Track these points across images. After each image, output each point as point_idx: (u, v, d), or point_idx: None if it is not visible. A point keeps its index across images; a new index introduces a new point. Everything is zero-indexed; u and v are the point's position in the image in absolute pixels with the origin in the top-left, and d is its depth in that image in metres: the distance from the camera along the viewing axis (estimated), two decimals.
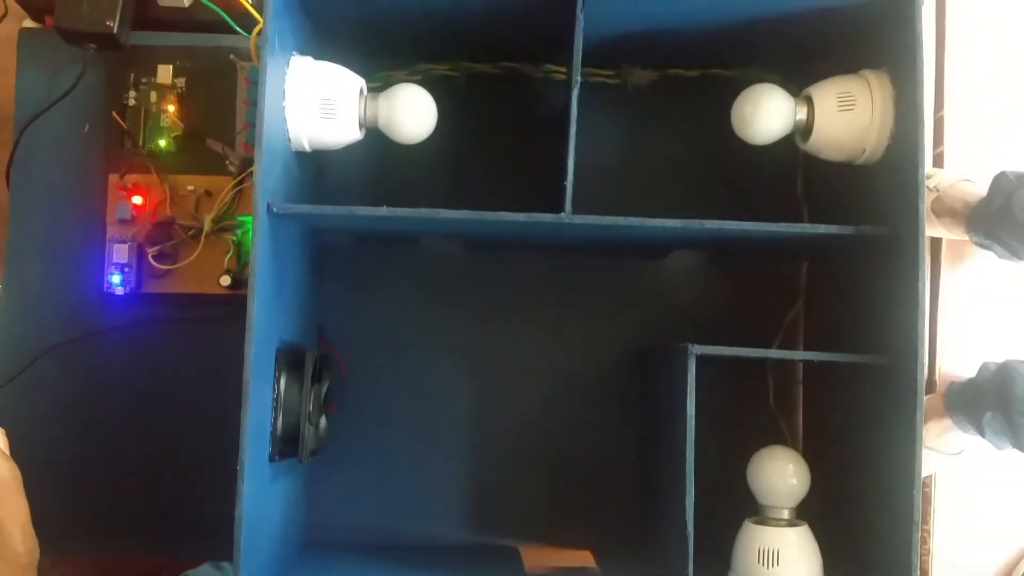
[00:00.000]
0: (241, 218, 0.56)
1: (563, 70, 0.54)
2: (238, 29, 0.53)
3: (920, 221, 0.42)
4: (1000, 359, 0.56)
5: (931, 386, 0.61)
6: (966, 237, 0.57)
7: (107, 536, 0.56)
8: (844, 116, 0.46)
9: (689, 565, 0.43)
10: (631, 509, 0.57)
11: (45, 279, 0.56)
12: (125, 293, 0.55)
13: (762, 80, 0.49)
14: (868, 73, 0.46)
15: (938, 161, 0.63)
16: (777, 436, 0.55)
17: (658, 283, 0.58)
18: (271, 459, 0.46)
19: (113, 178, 0.56)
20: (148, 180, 0.56)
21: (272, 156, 0.43)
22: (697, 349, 0.44)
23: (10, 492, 0.37)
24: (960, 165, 0.62)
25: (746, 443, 0.49)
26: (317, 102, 0.46)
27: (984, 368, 0.58)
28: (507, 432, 0.57)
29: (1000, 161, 0.61)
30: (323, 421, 0.50)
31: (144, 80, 0.56)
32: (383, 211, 0.44)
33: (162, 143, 0.56)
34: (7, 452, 0.38)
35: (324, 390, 0.50)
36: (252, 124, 0.55)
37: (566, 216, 0.44)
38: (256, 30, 0.45)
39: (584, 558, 0.57)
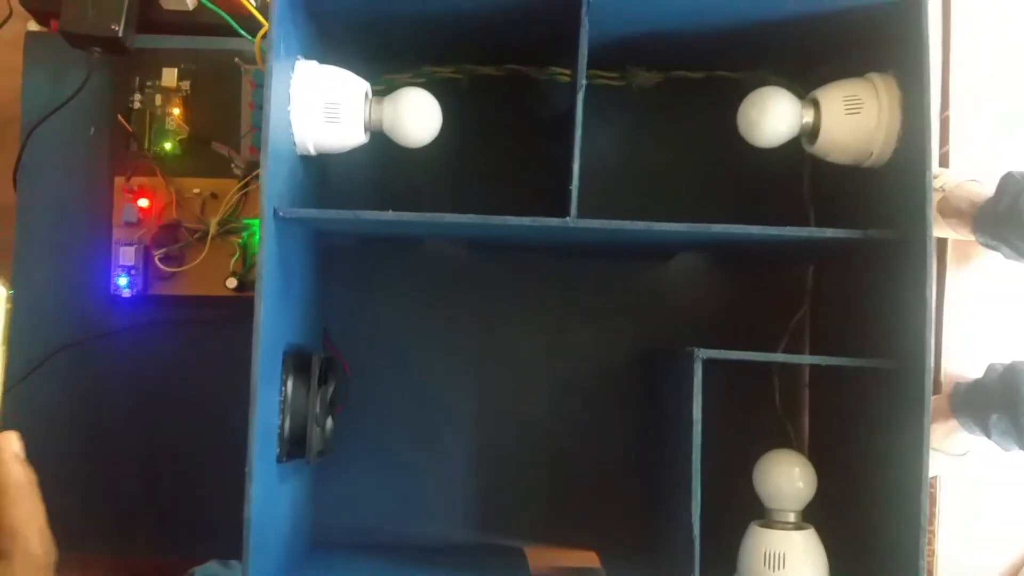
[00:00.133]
0: (246, 221, 0.56)
1: (567, 72, 0.54)
2: (242, 32, 0.53)
3: (928, 225, 0.42)
4: (1007, 360, 0.56)
5: (936, 387, 0.61)
6: (972, 238, 0.57)
7: (113, 535, 0.56)
8: (851, 119, 0.46)
9: (695, 567, 0.44)
10: (636, 511, 0.57)
11: (52, 281, 0.56)
12: (132, 295, 0.55)
13: (768, 83, 0.49)
14: (875, 76, 0.46)
15: (943, 161, 0.63)
16: (783, 439, 0.55)
17: (662, 285, 0.58)
18: (279, 460, 0.46)
19: (119, 181, 0.56)
20: (154, 183, 0.56)
21: (278, 161, 0.43)
22: (703, 353, 0.44)
23: (26, 495, 0.37)
24: (966, 165, 0.62)
25: (752, 446, 0.49)
26: (322, 106, 0.46)
27: (991, 369, 0.57)
28: (512, 433, 0.58)
29: (1007, 161, 0.61)
30: (329, 422, 0.50)
31: (149, 83, 0.56)
32: (388, 215, 0.44)
33: (167, 146, 0.56)
34: (22, 456, 0.38)
35: (330, 392, 0.50)
36: (257, 127, 0.55)
37: (571, 220, 0.44)
38: (260, 34, 0.45)
39: (589, 559, 0.57)
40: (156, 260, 0.55)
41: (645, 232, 0.45)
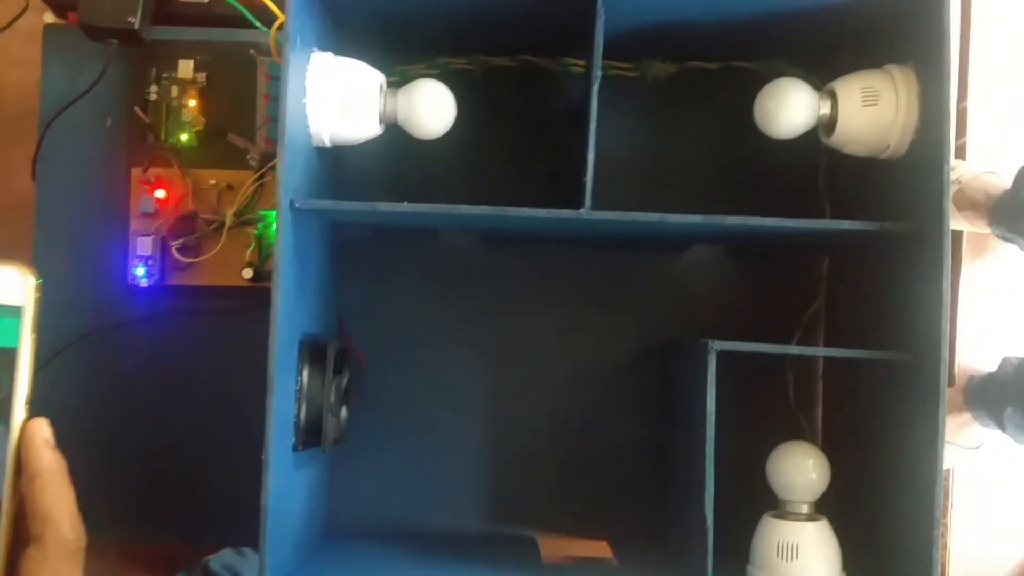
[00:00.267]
0: (262, 212, 0.56)
1: (581, 63, 0.53)
2: (257, 24, 0.53)
3: (945, 218, 0.42)
4: (1021, 354, 0.56)
5: (950, 380, 0.61)
6: (988, 230, 0.57)
7: (128, 523, 0.57)
8: (868, 111, 0.46)
9: (708, 558, 0.44)
10: (648, 501, 0.57)
11: (70, 272, 0.56)
12: (149, 285, 0.56)
13: (784, 73, 0.48)
14: (893, 68, 0.46)
15: (960, 152, 0.62)
16: (796, 431, 0.55)
17: (676, 277, 0.58)
18: (295, 449, 0.47)
19: (136, 172, 0.56)
20: (171, 174, 0.56)
21: (294, 153, 0.44)
22: (717, 345, 0.44)
23: (57, 480, 0.38)
24: (983, 156, 0.61)
25: (765, 438, 0.49)
26: (338, 98, 0.46)
27: (1005, 362, 0.57)
28: (525, 423, 0.58)
29: None
30: (344, 412, 0.51)
31: (165, 75, 0.57)
32: (404, 207, 0.44)
33: (184, 137, 0.57)
34: (52, 441, 0.39)
35: (345, 381, 0.50)
36: (272, 119, 0.55)
37: (586, 212, 0.44)
38: (276, 25, 0.46)
39: (601, 548, 0.57)
40: (173, 250, 0.56)
41: (659, 224, 0.45)
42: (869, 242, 0.48)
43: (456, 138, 0.49)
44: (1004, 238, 0.56)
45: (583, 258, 0.58)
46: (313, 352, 0.48)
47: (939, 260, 0.42)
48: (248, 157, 0.56)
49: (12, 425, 0.38)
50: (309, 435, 0.47)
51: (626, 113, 0.56)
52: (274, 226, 0.54)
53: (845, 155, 0.49)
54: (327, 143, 0.47)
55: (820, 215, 0.54)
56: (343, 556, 0.53)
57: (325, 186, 0.51)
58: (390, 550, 0.54)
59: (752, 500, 0.48)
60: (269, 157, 0.55)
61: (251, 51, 0.55)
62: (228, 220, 0.55)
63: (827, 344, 0.57)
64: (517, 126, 0.57)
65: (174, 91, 0.57)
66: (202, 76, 0.57)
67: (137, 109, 0.57)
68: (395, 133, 0.49)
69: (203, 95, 0.57)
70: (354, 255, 0.57)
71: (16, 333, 0.38)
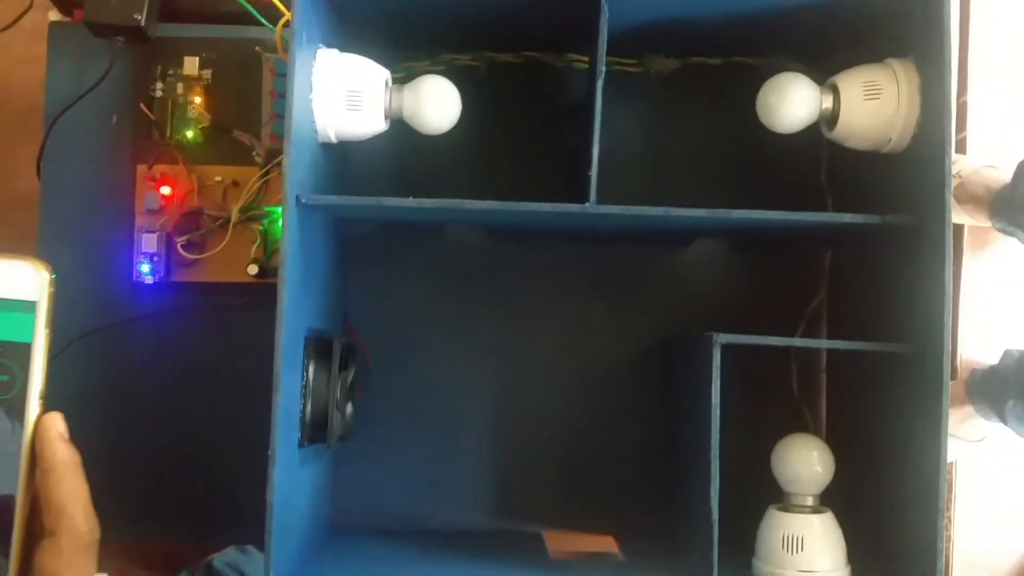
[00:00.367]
0: (267, 208, 0.56)
1: (585, 59, 0.54)
2: (263, 21, 0.53)
3: (946, 211, 0.42)
4: (1023, 346, 0.56)
5: (952, 373, 0.61)
6: (989, 224, 0.57)
7: (132, 520, 0.56)
8: (870, 105, 0.46)
9: (714, 551, 0.44)
10: (654, 495, 0.57)
11: (76, 269, 0.56)
12: (154, 282, 0.56)
13: (785, 68, 0.49)
14: (894, 62, 0.46)
15: (960, 147, 0.62)
16: (800, 424, 0.55)
17: (681, 271, 0.58)
18: (300, 445, 0.47)
19: (141, 169, 0.57)
20: (176, 171, 0.56)
21: (300, 148, 0.44)
22: (722, 338, 0.44)
23: (71, 474, 0.38)
24: (983, 151, 0.62)
25: (769, 431, 0.50)
26: (344, 94, 0.46)
27: (1007, 355, 0.58)
28: (530, 418, 0.58)
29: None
30: (349, 407, 0.51)
31: (171, 72, 0.57)
32: (410, 202, 0.45)
33: (189, 134, 0.57)
34: (67, 435, 0.39)
35: (350, 377, 0.50)
36: (278, 115, 0.56)
37: (591, 206, 0.45)
38: (282, 22, 0.46)
39: (607, 543, 0.57)
40: (178, 247, 0.56)
41: (664, 218, 0.45)
42: (871, 235, 0.48)
43: (461, 134, 0.49)
44: (1005, 232, 0.56)
45: (588, 253, 0.58)
46: (319, 347, 0.48)
47: (941, 252, 0.42)
48: (253, 153, 0.56)
49: (27, 419, 0.38)
50: (314, 431, 0.48)
51: (630, 108, 0.57)
52: (279, 222, 0.55)
53: (847, 149, 0.49)
54: (333, 139, 0.47)
55: (823, 209, 0.54)
56: (348, 552, 0.53)
57: (331, 182, 0.51)
58: (395, 546, 0.54)
59: (757, 493, 0.49)
60: (274, 153, 0.56)
61: (256, 48, 0.56)
62: (233, 216, 0.55)
63: (830, 336, 0.57)
64: (522, 122, 0.58)
65: (179, 88, 0.57)
66: (207, 73, 0.57)
67: (142, 106, 0.57)
68: (401, 129, 0.49)
69: (208, 92, 0.57)
70: (360, 251, 0.58)
71: (31, 328, 0.38)
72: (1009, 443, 0.59)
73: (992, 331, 0.61)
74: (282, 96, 0.43)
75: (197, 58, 0.57)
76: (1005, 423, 0.56)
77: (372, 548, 0.55)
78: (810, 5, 0.47)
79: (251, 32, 0.56)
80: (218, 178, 0.57)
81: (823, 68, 0.50)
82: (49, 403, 0.41)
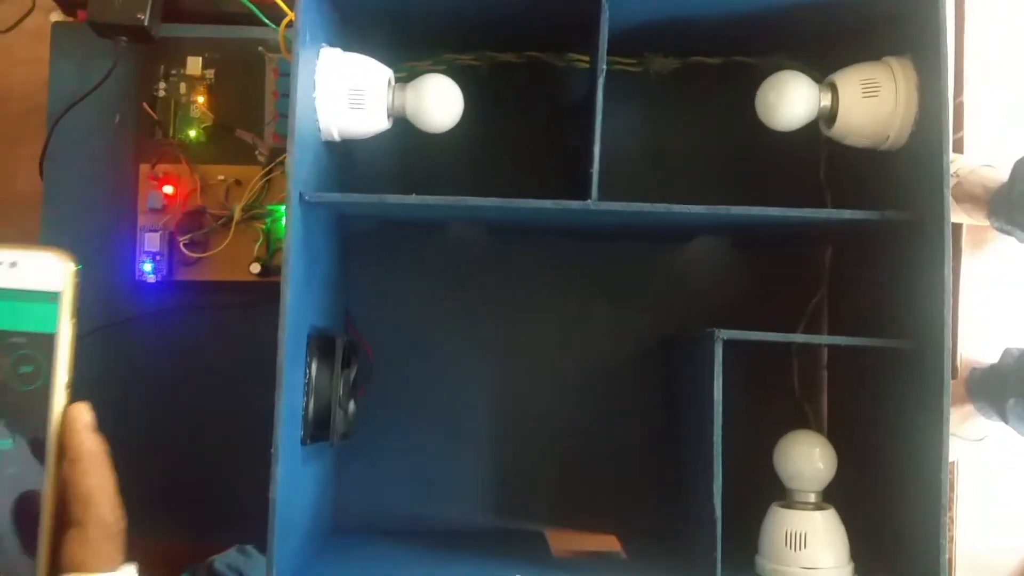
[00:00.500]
0: (270, 207, 0.56)
1: (586, 58, 0.54)
2: (266, 21, 0.54)
3: (945, 207, 0.42)
4: (1023, 345, 0.57)
5: (953, 372, 0.61)
6: (986, 223, 0.57)
7: (133, 520, 0.56)
8: (868, 103, 0.46)
9: (717, 548, 0.44)
10: (656, 494, 0.57)
11: (79, 267, 0.57)
12: (157, 281, 0.56)
13: (784, 67, 0.49)
14: (892, 60, 0.46)
15: (958, 146, 0.63)
16: (802, 420, 0.55)
17: (682, 269, 0.58)
18: (303, 443, 0.47)
19: (144, 168, 0.57)
20: (179, 170, 0.57)
21: (304, 147, 0.44)
22: (724, 334, 0.44)
23: (98, 464, 0.39)
24: (980, 151, 0.62)
25: (771, 427, 0.50)
26: (346, 93, 0.47)
27: (1007, 354, 0.58)
28: (532, 416, 0.58)
29: (1021, 146, 0.61)
30: (352, 405, 0.51)
31: (174, 72, 0.57)
32: (412, 199, 0.45)
33: (192, 133, 0.57)
34: (93, 426, 0.39)
35: (353, 375, 0.50)
36: (281, 114, 0.56)
37: (592, 203, 0.45)
38: (285, 22, 0.46)
39: (610, 542, 0.57)
40: (181, 246, 0.56)
41: (665, 214, 0.45)
42: (871, 232, 0.48)
43: (463, 132, 0.50)
44: (1002, 230, 0.56)
45: (589, 251, 0.58)
46: (321, 345, 0.48)
47: (940, 247, 0.42)
48: (256, 153, 0.57)
49: (53, 410, 0.38)
50: (317, 429, 0.48)
51: (630, 107, 0.57)
52: (282, 221, 0.55)
53: (846, 146, 0.49)
54: (336, 137, 0.48)
55: (822, 206, 0.55)
56: (350, 551, 0.53)
57: (334, 180, 0.51)
58: (397, 545, 0.54)
59: (759, 490, 0.49)
60: (277, 152, 0.56)
61: (260, 48, 0.56)
62: (236, 215, 0.56)
63: (831, 333, 0.57)
64: (523, 121, 0.58)
65: (182, 88, 0.57)
66: (210, 73, 0.57)
67: (145, 105, 0.57)
68: (403, 127, 0.49)
69: (211, 91, 0.57)
70: (362, 249, 0.58)
71: (55, 319, 0.38)
72: (1010, 442, 0.59)
73: (992, 330, 0.61)
74: (285, 95, 0.43)
75: (200, 58, 0.57)
76: (1006, 422, 0.56)
77: (374, 547, 0.54)
78: (809, 4, 0.48)
79: (254, 32, 0.56)
80: (221, 177, 0.57)
81: (821, 66, 0.50)
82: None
